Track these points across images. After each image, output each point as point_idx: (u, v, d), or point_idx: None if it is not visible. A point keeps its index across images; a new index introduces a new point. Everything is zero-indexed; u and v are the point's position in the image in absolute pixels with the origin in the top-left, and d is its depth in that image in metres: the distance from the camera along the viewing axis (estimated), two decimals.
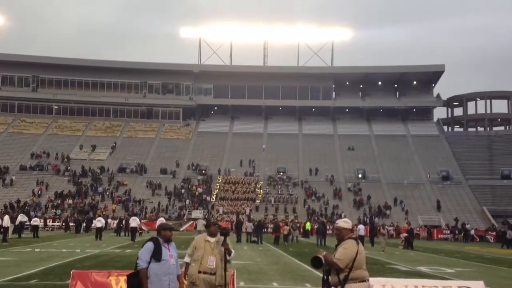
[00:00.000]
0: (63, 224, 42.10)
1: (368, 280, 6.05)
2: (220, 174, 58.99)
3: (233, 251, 6.84)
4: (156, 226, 6.88)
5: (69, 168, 59.15)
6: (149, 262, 6.08)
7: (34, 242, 25.96)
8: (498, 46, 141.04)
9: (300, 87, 72.61)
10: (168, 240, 6.33)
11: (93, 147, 64.36)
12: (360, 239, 30.59)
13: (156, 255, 6.11)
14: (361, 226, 32.53)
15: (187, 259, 6.85)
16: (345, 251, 5.93)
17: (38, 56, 71.04)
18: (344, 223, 6.14)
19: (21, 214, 35.05)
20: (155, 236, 6.35)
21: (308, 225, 40.79)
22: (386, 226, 33.22)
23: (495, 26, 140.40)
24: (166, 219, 36.34)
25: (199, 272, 6.58)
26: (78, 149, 64.41)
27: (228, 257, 6.71)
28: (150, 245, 6.18)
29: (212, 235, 6.85)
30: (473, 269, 17.36)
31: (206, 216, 48.01)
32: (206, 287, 6.58)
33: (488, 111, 72.16)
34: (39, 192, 53.51)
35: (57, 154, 61.84)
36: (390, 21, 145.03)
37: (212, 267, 6.59)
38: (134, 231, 30.58)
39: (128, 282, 6.29)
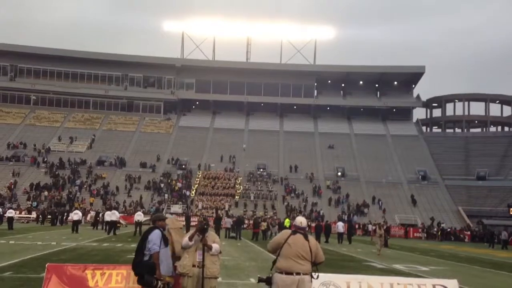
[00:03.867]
0: (40, 216, 41.42)
1: (299, 274, 5.97)
2: (200, 169, 58.81)
3: (214, 245, 6.89)
4: (151, 218, 7.42)
5: (46, 159, 58.24)
6: (160, 247, 6.66)
7: (8, 234, 25.48)
8: (479, 50, 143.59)
9: (282, 84, 72.76)
10: (164, 229, 7.04)
11: (72, 139, 63.47)
12: (339, 236, 31.15)
13: (165, 241, 6.75)
14: (339, 224, 32.93)
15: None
16: (275, 237, 6.43)
17: (17, 45, 69.67)
18: (296, 220, 6.59)
19: None
20: (154, 226, 6.93)
21: (287, 222, 40.88)
22: (384, 225, 29.86)
23: (477, 29, 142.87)
24: (144, 213, 36.02)
25: (193, 265, 6.80)
26: (56, 141, 63.44)
27: (210, 252, 6.81)
28: (158, 232, 6.79)
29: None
30: (448, 268, 17.66)
31: (185, 211, 47.83)
32: (194, 280, 6.78)
33: (466, 113, 73.48)
34: (12, 186, 52.34)
35: (34, 145, 60.81)
36: (374, 21, 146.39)
37: (199, 260, 6.77)
38: (113, 224, 30.22)
39: (139, 268, 6.70)
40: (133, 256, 7.01)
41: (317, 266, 6.31)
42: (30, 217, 43.34)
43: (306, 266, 6.11)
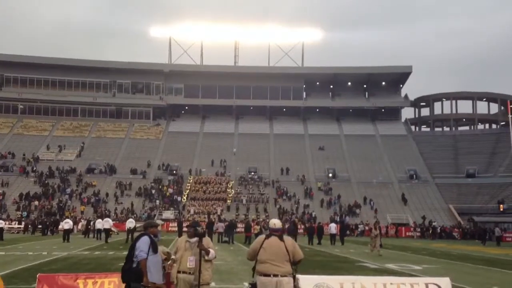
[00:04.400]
0: (29, 226, 41.05)
1: (276, 276, 6.09)
2: (191, 174, 58.62)
3: (212, 251, 6.89)
4: (143, 224, 7.34)
5: (35, 169, 57.72)
6: (148, 254, 6.56)
7: None
8: (466, 50, 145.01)
9: (271, 87, 72.89)
10: (155, 236, 6.94)
11: (61, 148, 62.98)
12: (332, 237, 31.22)
13: (154, 247, 6.66)
14: (332, 225, 32.99)
15: (174, 256, 7.12)
16: (251, 245, 6.52)
17: (3, 54, 69.13)
18: (270, 222, 6.74)
19: None
20: (144, 232, 6.84)
21: None
22: (376, 224, 28.99)
23: (463, 30, 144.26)
24: (135, 220, 35.86)
25: (178, 272, 6.77)
26: (45, 150, 62.92)
27: (206, 257, 6.78)
28: (146, 239, 6.69)
29: (192, 236, 6.96)
30: (440, 266, 17.75)
31: (177, 217, 47.64)
32: (186, 287, 6.72)
33: (454, 112, 74.14)
34: (1, 196, 51.65)
35: (23, 155, 60.26)
36: (361, 23, 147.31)
37: (191, 267, 6.71)
38: (107, 232, 30.11)
39: (127, 275, 6.62)
40: None
41: (296, 265, 6.34)
42: (20, 227, 42.91)
43: (283, 267, 6.14)
